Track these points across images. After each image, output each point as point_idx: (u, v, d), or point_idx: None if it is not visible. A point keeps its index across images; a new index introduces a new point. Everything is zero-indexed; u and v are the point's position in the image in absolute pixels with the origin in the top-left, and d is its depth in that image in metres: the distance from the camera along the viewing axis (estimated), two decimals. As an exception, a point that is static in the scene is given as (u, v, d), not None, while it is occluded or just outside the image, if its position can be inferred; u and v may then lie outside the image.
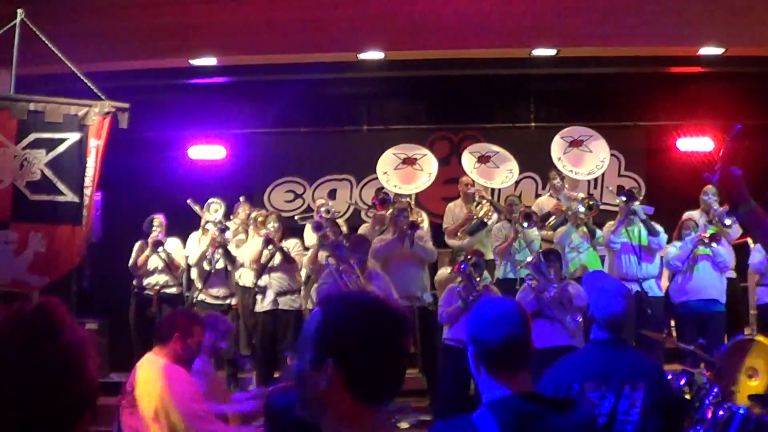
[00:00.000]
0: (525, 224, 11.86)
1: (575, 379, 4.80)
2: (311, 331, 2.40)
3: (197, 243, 12.28)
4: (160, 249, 11.98)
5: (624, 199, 11.60)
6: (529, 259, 10.68)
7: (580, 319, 9.86)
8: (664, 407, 4.90)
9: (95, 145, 9.63)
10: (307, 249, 12.15)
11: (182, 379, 5.82)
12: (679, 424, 5.22)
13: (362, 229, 12.46)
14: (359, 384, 2.34)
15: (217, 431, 5.71)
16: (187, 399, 5.65)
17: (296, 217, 13.88)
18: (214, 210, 12.63)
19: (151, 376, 5.82)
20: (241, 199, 13.22)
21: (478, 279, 10.47)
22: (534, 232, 12.25)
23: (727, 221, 11.74)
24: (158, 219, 12.18)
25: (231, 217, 12.89)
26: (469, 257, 10.59)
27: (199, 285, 12.00)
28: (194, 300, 11.88)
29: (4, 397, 1.94)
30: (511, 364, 3.50)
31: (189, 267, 12.38)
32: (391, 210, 12.27)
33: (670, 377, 6.78)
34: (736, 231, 11.98)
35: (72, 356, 2.04)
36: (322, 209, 12.32)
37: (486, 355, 3.51)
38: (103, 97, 9.84)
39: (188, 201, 12.71)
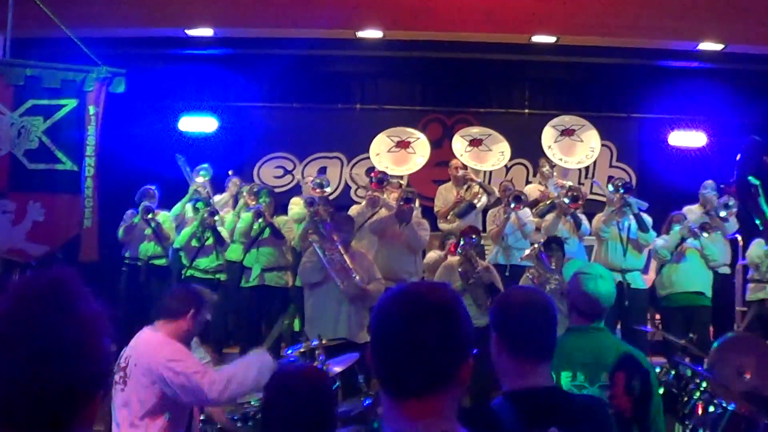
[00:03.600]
0: (513, 204, 11.77)
1: (552, 365, 4.76)
2: None
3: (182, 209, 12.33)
4: (150, 216, 11.87)
5: (621, 190, 11.56)
6: (527, 252, 10.63)
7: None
8: (644, 395, 4.86)
9: (95, 112, 9.54)
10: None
11: (170, 343, 5.73)
12: (644, 416, 5.18)
13: (353, 210, 12.37)
14: (379, 378, 2.36)
15: (206, 379, 5.59)
16: (175, 361, 5.56)
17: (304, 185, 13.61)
18: (202, 176, 12.60)
19: (145, 350, 5.73)
20: (230, 173, 13.15)
21: (477, 260, 10.38)
22: (528, 216, 12.19)
23: (722, 213, 11.74)
24: (150, 190, 12.12)
25: (224, 191, 12.88)
26: (466, 238, 10.47)
27: (186, 261, 11.94)
28: (183, 275, 11.80)
29: (16, 373, 1.86)
30: (536, 353, 3.48)
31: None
32: (394, 193, 12.18)
33: (658, 370, 6.80)
34: (733, 225, 11.99)
35: (87, 331, 1.96)
36: (316, 180, 12.25)
37: (513, 342, 3.47)
38: (98, 62, 9.73)
39: (177, 156, 12.65)
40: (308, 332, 9.55)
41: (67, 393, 1.92)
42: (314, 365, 5.22)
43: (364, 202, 12.30)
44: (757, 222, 3.51)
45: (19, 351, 1.88)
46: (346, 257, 9.90)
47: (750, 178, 3.49)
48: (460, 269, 10.28)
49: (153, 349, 5.66)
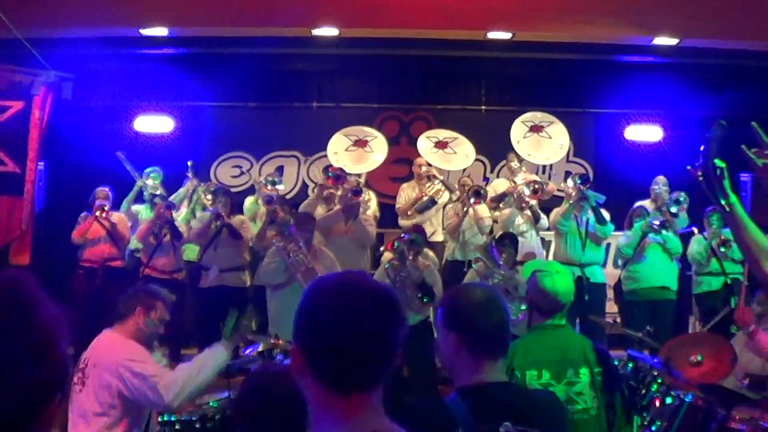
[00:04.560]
0: (472, 200, 11.78)
1: (516, 365, 4.77)
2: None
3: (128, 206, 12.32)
4: (104, 216, 11.75)
5: (579, 183, 11.59)
6: (482, 241, 10.62)
7: (524, 308, 9.78)
8: (609, 390, 4.93)
9: (39, 116, 9.43)
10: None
11: (130, 345, 5.70)
12: (625, 407, 5.22)
13: (304, 206, 12.32)
14: (321, 371, 2.23)
15: (163, 381, 5.55)
16: (133, 362, 5.53)
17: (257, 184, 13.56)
18: (153, 178, 12.52)
19: (103, 351, 5.70)
20: (189, 163, 13.07)
21: (411, 258, 10.28)
22: (485, 212, 12.20)
23: (673, 209, 11.86)
24: (104, 192, 12.00)
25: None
26: (405, 235, 10.42)
27: (144, 259, 11.84)
28: (140, 274, 11.70)
29: None
30: (496, 350, 3.51)
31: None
32: (341, 190, 12.18)
33: (616, 363, 6.84)
34: (683, 220, 12.14)
35: (45, 335, 1.91)
36: (268, 178, 12.24)
37: (475, 340, 3.48)
38: (47, 66, 9.61)
39: (117, 153, 12.57)
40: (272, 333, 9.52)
41: (25, 398, 1.87)
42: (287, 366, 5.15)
43: (314, 195, 12.33)
44: (723, 203, 3.53)
45: None
46: (308, 257, 9.87)
47: (716, 161, 3.52)
48: (387, 264, 10.21)
49: (111, 349, 5.65)
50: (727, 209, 3.58)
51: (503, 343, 3.53)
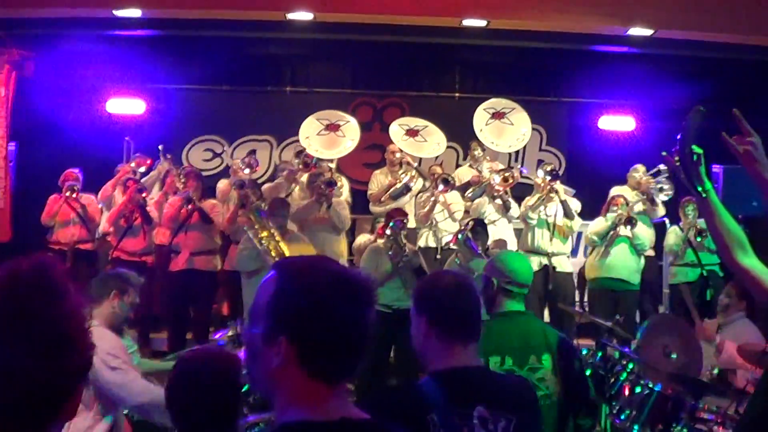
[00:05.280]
0: (441, 187, 11.80)
1: (479, 351, 4.79)
2: (265, 300, 2.23)
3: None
4: (74, 197, 11.67)
5: (548, 177, 11.61)
6: (454, 230, 10.61)
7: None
8: (571, 377, 4.96)
9: (5, 94, 9.35)
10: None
11: (110, 338, 5.66)
12: (587, 395, 5.26)
13: (270, 188, 12.32)
14: (314, 362, 2.19)
15: (136, 385, 5.53)
16: (110, 357, 5.49)
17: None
18: (136, 164, 12.48)
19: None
20: (160, 147, 13.01)
21: (405, 243, 10.34)
22: (457, 199, 12.23)
23: (660, 198, 11.92)
24: (74, 173, 11.92)
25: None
26: (397, 221, 10.41)
27: (114, 242, 11.77)
28: (109, 257, 11.63)
29: (4, 364, 1.82)
30: (466, 334, 3.51)
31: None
32: (307, 175, 12.20)
33: (585, 352, 6.87)
34: (661, 210, 12.18)
35: (73, 324, 1.92)
36: (245, 160, 12.24)
37: (445, 324, 3.49)
38: (9, 44, 9.52)
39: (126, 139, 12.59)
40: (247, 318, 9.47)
41: (56, 386, 1.88)
42: (224, 350, 5.12)
43: (280, 178, 12.35)
44: (699, 189, 3.53)
45: (9, 341, 1.83)
46: (282, 243, 9.86)
47: (693, 147, 3.53)
48: (390, 252, 10.21)
49: None
50: (704, 195, 3.58)
51: (473, 327, 3.53)
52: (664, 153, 3.64)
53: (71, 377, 1.91)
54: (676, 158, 3.58)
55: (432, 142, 13.70)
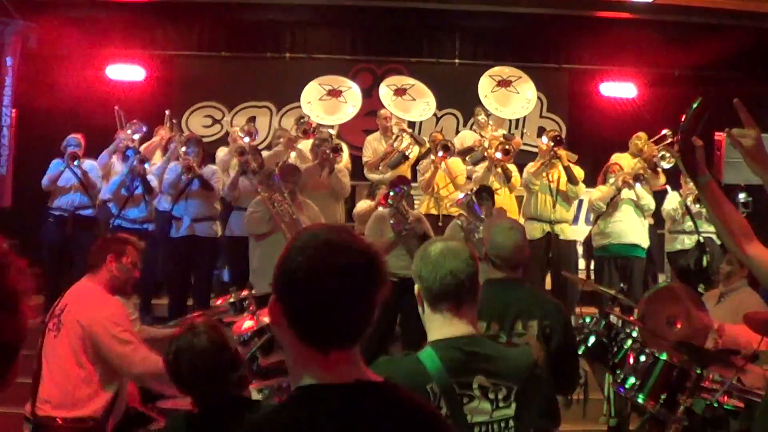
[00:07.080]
0: (441, 153, 11.77)
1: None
2: None
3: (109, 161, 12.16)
4: (76, 163, 11.63)
5: (551, 143, 11.58)
6: (460, 197, 10.58)
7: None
8: (554, 346, 4.99)
9: (11, 64, 9.35)
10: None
11: (114, 305, 5.69)
12: (574, 362, 5.29)
13: (270, 155, 12.29)
14: (297, 324, 2.21)
15: (137, 354, 5.55)
16: (113, 324, 5.52)
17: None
18: (133, 131, 12.41)
19: (82, 300, 5.69)
20: (167, 112, 12.98)
21: (407, 210, 10.30)
22: (460, 166, 12.20)
23: (664, 165, 11.90)
24: (77, 138, 11.87)
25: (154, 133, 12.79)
26: (398, 189, 10.36)
27: (115, 210, 11.75)
28: (111, 224, 11.60)
29: None
30: (453, 301, 3.49)
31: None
32: (309, 143, 12.18)
33: (588, 320, 6.86)
34: (662, 179, 12.19)
35: (14, 293, 1.91)
36: (244, 128, 12.22)
37: (428, 293, 3.51)
38: (15, 15, 9.49)
39: (115, 108, 12.50)
40: (254, 283, 9.45)
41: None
42: (214, 320, 5.15)
43: (279, 146, 12.30)
44: (699, 179, 3.54)
45: None
46: (292, 208, 9.87)
47: (695, 137, 3.54)
48: (392, 221, 10.18)
49: (92, 302, 5.67)
50: (706, 179, 3.59)
51: (461, 295, 3.48)
52: (669, 135, 3.67)
53: (9, 348, 1.92)
54: (677, 148, 3.58)
55: (420, 101, 13.69)
